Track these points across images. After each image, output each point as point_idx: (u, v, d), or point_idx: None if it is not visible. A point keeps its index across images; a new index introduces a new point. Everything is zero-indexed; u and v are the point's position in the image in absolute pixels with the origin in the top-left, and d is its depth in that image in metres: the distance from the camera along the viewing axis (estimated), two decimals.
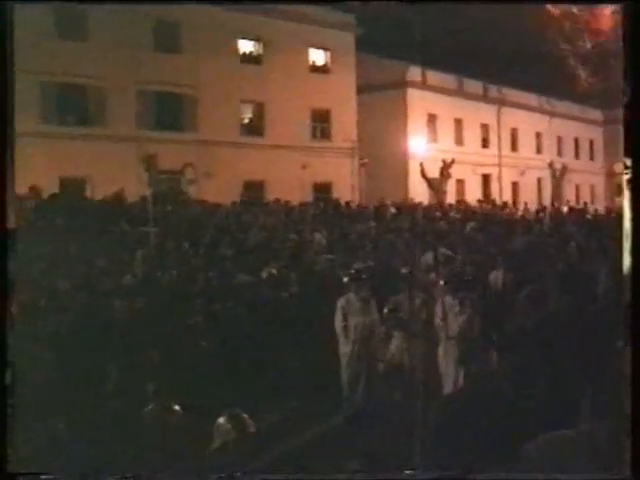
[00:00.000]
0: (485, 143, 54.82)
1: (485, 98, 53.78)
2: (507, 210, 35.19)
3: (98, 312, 13.13)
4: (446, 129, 51.34)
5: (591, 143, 62.47)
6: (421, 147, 46.68)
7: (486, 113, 53.98)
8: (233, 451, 6.38)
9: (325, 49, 43.62)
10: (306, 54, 42.97)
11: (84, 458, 7.81)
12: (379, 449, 7.02)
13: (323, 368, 12.61)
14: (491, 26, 38.01)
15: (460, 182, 47.96)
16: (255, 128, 41.01)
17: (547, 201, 47.18)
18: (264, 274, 15.66)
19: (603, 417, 4.72)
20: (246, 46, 40.89)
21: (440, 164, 38.91)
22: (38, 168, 29.62)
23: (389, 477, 5.51)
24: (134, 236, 20.28)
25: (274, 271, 15.77)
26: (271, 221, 25.16)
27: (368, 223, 25.63)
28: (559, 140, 60.25)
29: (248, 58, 40.88)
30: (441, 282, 13.06)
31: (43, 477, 5.11)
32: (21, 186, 23.79)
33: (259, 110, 41.04)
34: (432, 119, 50.34)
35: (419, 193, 39.12)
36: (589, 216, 31.66)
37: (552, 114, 58.03)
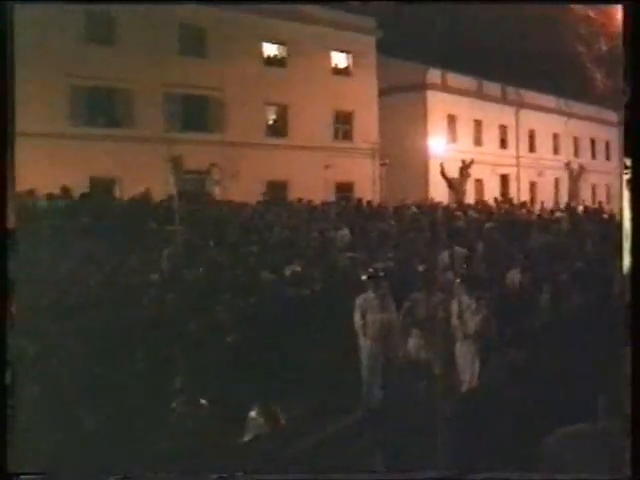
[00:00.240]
0: (504, 144, 54.64)
1: (504, 100, 53.62)
2: (524, 209, 34.91)
3: (127, 308, 13.22)
4: (465, 130, 51.20)
5: (607, 144, 62.07)
6: (441, 148, 46.57)
7: (505, 114, 53.80)
8: (264, 444, 6.41)
9: (347, 52, 43.56)
10: (329, 57, 42.91)
11: (112, 452, 7.85)
12: (398, 444, 7.01)
13: (344, 364, 12.62)
14: (510, 29, 37.86)
15: (479, 182, 47.81)
16: (279, 129, 41.02)
17: (564, 201, 46.89)
18: (288, 271, 15.68)
19: (619, 413, 4.71)
20: (270, 49, 40.87)
21: (459, 164, 38.69)
22: (68, 168, 29.80)
23: (389, 477, 5.50)
24: (161, 235, 20.34)
25: (298, 268, 15.79)
26: (294, 220, 25.15)
27: (389, 222, 25.57)
28: (576, 141, 59.96)
29: (272, 61, 40.86)
30: (457, 280, 13.02)
31: (43, 477, 5.09)
32: (53, 186, 23.96)
33: (283, 112, 41.04)
34: (452, 120, 50.23)
35: (439, 193, 39.00)
36: (605, 215, 31.40)
37: (569, 115, 57.73)
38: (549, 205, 39.92)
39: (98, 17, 33.61)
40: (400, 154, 43.39)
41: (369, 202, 32.97)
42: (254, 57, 39.53)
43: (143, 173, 30.88)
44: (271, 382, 10.85)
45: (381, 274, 13.41)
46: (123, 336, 11.72)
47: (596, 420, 4.97)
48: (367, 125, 43.39)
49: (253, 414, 6.58)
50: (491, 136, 53.14)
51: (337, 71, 43.44)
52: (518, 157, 55.08)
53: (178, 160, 25.80)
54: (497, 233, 22.19)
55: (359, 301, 13.10)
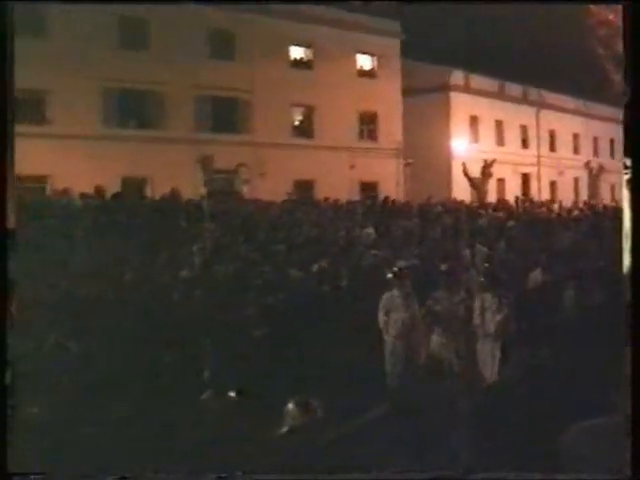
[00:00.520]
0: (525, 144, 54.41)
1: (525, 100, 53.38)
2: (544, 208, 34.74)
3: (158, 304, 13.27)
4: (487, 130, 51.04)
5: None
6: (463, 147, 46.54)
7: (526, 115, 53.57)
8: (301, 435, 6.45)
9: (372, 55, 43.53)
10: (354, 60, 42.91)
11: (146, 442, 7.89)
12: (420, 441, 7.00)
13: (368, 360, 12.58)
14: (531, 31, 37.69)
15: (501, 181, 47.63)
16: (305, 130, 41.06)
17: (583, 200, 46.61)
18: (315, 268, 15.67)
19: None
20: (297, 52, 40.95)
21: (482, 164, 38.59)
22: (101, 169, 29.96)
23: (389, 477, 5.47)
24: (191, 232, 20.38)
25: (325, 265, 15.78)
26: (321, 218, 25.14)
27: (412, 220, 25.51)
28: (595, 141, 59.60)
29: (299, 64, 40.93)
30: (481, 279, 12.96)
31: (43, 477, 5.10)
32: (86, 186, 24.09)
33: (309, 113, 41.08)
34: (474, 121, 50.10)
35: (462, 192, 38.90)
36: None
37: (588, 116, 57.40)
38: (568, 204, 39.69)
39: (131, 22, 33.75)
40: (424, 154, 43.38)
41: (393, 201, 32.91)
42: (281, 60, 39.60)
43: (174, 173, 30.98)
44: (297, 377, 10.85)
45: (407, 273, 13.37)
46: (154, 331, 11.77)
47: (614, 414, 4.94)
48: (391, 126, 43.31)
49: (291, 406, 6.63)
50: (512, 136, 52.93)
51: (362, 73, 43.42)
52: (539, 157, 54.84)
53: (208, 160, 25.90)
54: (519, 231, 22.09)
55: (383, 299, 13.07)
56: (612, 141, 60.72)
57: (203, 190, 23.70)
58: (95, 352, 10.95)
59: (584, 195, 51.58)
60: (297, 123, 41.25)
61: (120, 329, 11.79)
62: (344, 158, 39.94)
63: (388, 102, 43.10)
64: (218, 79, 36.12)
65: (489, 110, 50.32)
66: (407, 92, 44.03)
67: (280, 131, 38.94)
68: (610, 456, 4.72)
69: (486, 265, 14.69)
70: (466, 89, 48.97)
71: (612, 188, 55.94)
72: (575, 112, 57.05)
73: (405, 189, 42.00)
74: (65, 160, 30.48)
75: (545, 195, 50.94)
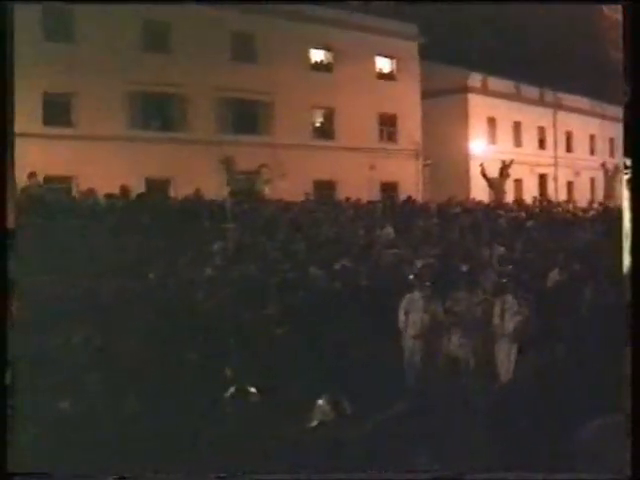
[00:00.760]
0: (542, 144, 54.26)
1: (542, 102, 53.21)
2: (560, 208, 34.60)
3: (182, 302, 13.31)
4: (505, 131, 50.94)
5: None
6: (481, 148, 46.48)
7: (543, 116, 53.41)
8: (330, 430, 6.51)
9: (391, 57, 43.51)
10: (373, 62, 42.88)
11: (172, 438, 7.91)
12: (438, 439, 6.99)
13: (387, 359, 12.56)
14: (547, 34, 37.58)
15: (518, 182, 47.46)
16: (326, 132, 41.07)
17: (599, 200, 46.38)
18: (337, 266, 15.66)
19: None
20: (317, 55, 40.96)
21: (499, 164, 38.43)
22: (126, 170, 30.08)
23: (390, 477, 5.46)
24: (214, 232, 20.42)
25: (347, 263, 15.77)
26: (341, 218, 25.14)
27: (431, 220, 25.47)
28: (611, 142, 59.30)
29: (319, 66, 40.94)
30: (502, 280, 12.90)
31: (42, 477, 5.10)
32: (111, 187, 24.17)
33: (329, 115, 41.08)
34: (492, 122, 50.00)
35: (480, 192, 38.84)
36: None
37: (604, 117, 57.11)
38: (583, 204, 39.58)
39: (154, 26, 33.89)
40: (442, 155, 43.40)
41: (413, 201, 32.87)
42: (302, 62, 39.64)
43: (196, 174, 31.05)
44: (317, 375, 10.85)
45: (428, 273, 13.35)
46: (177, 329, 11.81)
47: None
48: (410, 127, 43.28)
49: (321, 402, 6.68)
50: (530, 137, 52.83)
51: (381, 75, 43.39)
52: (556, 157, 54.66)
53: (230, 161, 25.93)
54: (537, 231, 22.00)
55: (404, 301, 13.05)
56: None
57: (226, 190, 23.74)
58: (119, 349, 10.99)
59: (600, 195, 51.33)
60: (317, 125, 41.27)
61: (144, 327, 11.83)
62: (364, 159, 39.93)
63: (407, 104, 43.07)
64: (240, 81, 36.19)
65: (506, 112, 50.23)
66: (426, 94, 43.99)
67: (301, 132, 38.96)
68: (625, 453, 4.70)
69: (507, 266, 14.62)
70: (484, 91, 48.91)
71: None
72: (591, 113, 56.82)
73: (424, 189, 41.95)
74: (90, 161, 30.63)
75: (562, 195, 50.80)
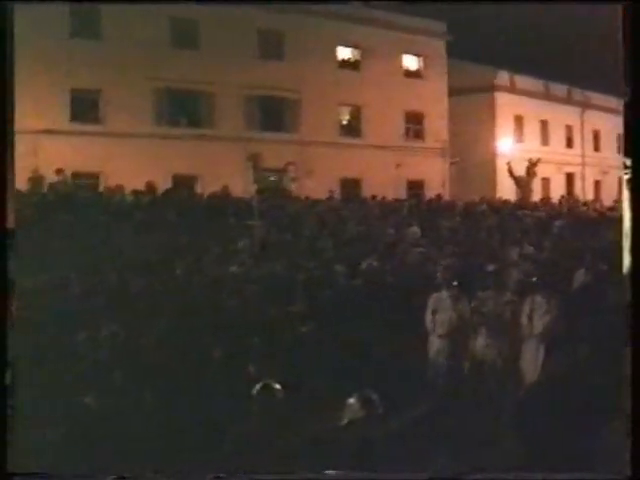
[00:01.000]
0: (569, 143, 53.91)
1: (569, 101, 52.87)
2: (587, 207, 34.36)
3: (208, 299, 13.33)
4: (532, 130, 50.64)
5: None
6: (508, 147, 46.26)
7: (570, 115, 53.06)
8: (360, 428, 6.51)
9: (418, 55, 43.39)
10: (400, 60, 42.77)
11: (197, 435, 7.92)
12: (462, 438, 6.96)
13: (413, 357, 12.51)
14: (574, 32, 37.28)
15: (545, 180, 47.18)
16: (353, 129, 41.02)
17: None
18: (364, 265, 15.61)
19: None
20: (344, 53, 40.93)
21: (526, 163, 38.23)
22: (153, 166, 30.19)
23: (390, 477, 5.43)
24: (240, 229, 20.45)
25: (374, 263, 15.72)
26: (368, 216, 25.09)
27: (457, 219, 25.35)
28: None
29: (346, 64, 40.92)
30: (532, 280, 12.79)
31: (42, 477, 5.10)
32: (138, 183, 24.27)
33: (356, 112, 41.04)
34: (519, 120, 49.72)
35: (506, 191, 38.65)
36: None
37: None
38: (611, 203, 39.26)
39: (182, 23, 33.99)
40: (469, 153, 43.21)
41: (439, 199, 32.77)
42: (329, 60, 39.62)
43: (223, 171, 31.14)
44: (343, 373, 10.82)
45: (455, 273, 13.28)
46: (203, 326, 11.82)
47: None
48: (437, 125, 43.15)
49: (352, 400, 6.69)
50: (557, 136, 52.46)
51: (408, 73, 43.26)
52: (583, 156, 54.28)
53: (257, 158, 25.95)
54: (565, 230, 21.84)
55: (431, 299, 12.99)
56: None
57: (253, 188, 23.77)
58: (145, 344, 11.03)
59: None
60: (345, 122, 41.23)
61: (170, 323, 11.85)
62: (390, 157, 39.80)
63: (434, 102, 42.94)
64: (267, 79, 36.24)
65: (534, 110, 49.89)
66: (453, 92, 43.83)
67: (328, 130, 38.96)
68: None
69: (535, 265, 14.49)
70: (511, 89, 48.65)
71: None
72: (619, 112, 56.25)
73: (451, 188, 41.80)
74: (118, 158, 30.78)
75: (589, 195, 50.46)
